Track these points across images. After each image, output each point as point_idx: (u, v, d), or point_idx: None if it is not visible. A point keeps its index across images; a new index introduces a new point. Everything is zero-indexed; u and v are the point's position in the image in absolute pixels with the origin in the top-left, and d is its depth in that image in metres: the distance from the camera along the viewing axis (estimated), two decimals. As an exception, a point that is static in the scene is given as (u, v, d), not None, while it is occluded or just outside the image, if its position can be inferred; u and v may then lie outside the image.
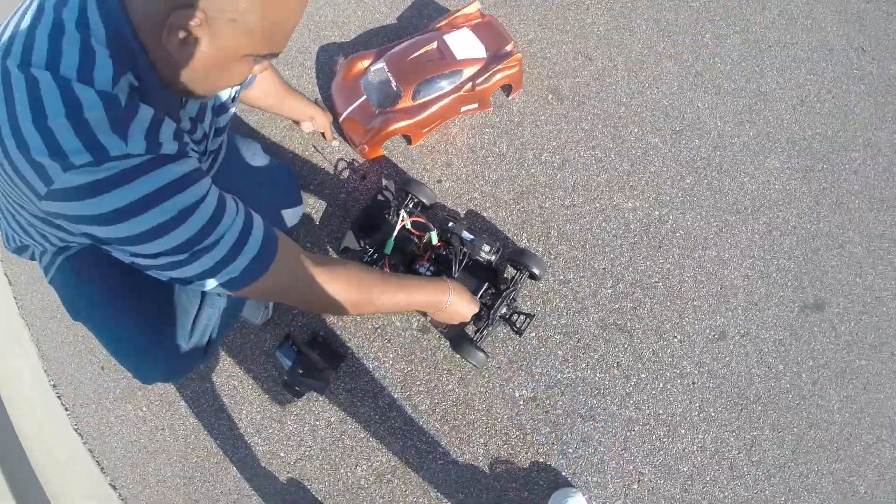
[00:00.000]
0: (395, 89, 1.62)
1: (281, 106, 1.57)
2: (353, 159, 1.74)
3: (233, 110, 1.14)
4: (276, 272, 0.91)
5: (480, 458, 1.44)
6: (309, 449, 1.49)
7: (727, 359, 1.49)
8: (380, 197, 1.58)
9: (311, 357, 1.43)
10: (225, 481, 1.51)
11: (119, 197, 0.74)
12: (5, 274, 1.86)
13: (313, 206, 1.72)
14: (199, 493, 1.52)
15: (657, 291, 1.53)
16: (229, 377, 1.58)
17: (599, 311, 1.52)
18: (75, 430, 1.65)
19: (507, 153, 1.69)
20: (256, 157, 1.48)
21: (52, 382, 1.70)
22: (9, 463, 1.65)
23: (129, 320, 1.12)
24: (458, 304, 1.27)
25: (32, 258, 1.19)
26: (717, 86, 1.80)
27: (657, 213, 1.60)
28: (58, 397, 1.69)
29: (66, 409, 1.68)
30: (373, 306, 1.13)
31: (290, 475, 1.49)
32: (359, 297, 1.06)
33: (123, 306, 1.12)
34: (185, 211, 0.79)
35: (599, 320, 1.52)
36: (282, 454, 1.50)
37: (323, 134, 1.71)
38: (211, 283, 0.87)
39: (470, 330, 1.40)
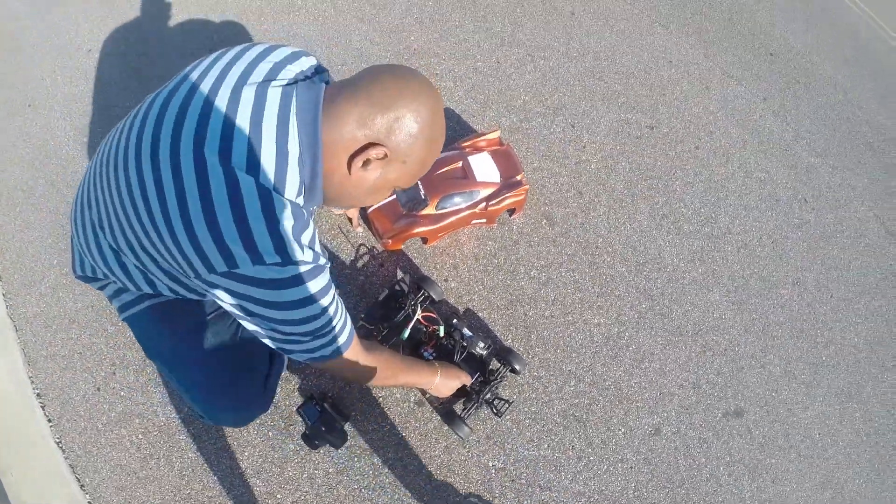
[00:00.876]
0: (423, 197, 1.95)
1: None
2: (373, 247, 2.06)
3: None
4: (346, 355, 1.12)
5: (456, 515, 1.68)
6: (305, 494, 1.64)
7: (660, 450, 1.78)
8: (396, 287, 1.91)
9: (334, 416, 1.57)
10: None
11: (289, 293, 0.93)
12: (-2, 273, 1.89)
13: (334, 284, 2.06)
14: None
15: (609, 392, 1.86)
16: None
17: (562, 404, 1.81)
18: (57, 443, 1.68)
19: (504, 265, 2.08)
20: None
21: (36, 391, 1.73)
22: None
23: (210, 369, 1.26)
24: (444, 384, 1.52)
25: (101, 289, 1.29)
26: (679, 227, 2.23)
27: (616, 329, 1.99)
28: (41, 407, 1.71)
29: (50, 421, 1.70)
30: (387, 383, 1.40)
31: None
32: (383, 376, 1.27)
33: (206, 356, 1.25)
34: (324, 309, 0.99)
35: (562, 411, 1.81)
36: (278, 496, 1.63)
37: (350, 219, 2.04)
38: (304, 356, 1.07)
39: (459, 407, 1.70)
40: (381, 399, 1.78)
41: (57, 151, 2.22)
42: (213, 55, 1.04)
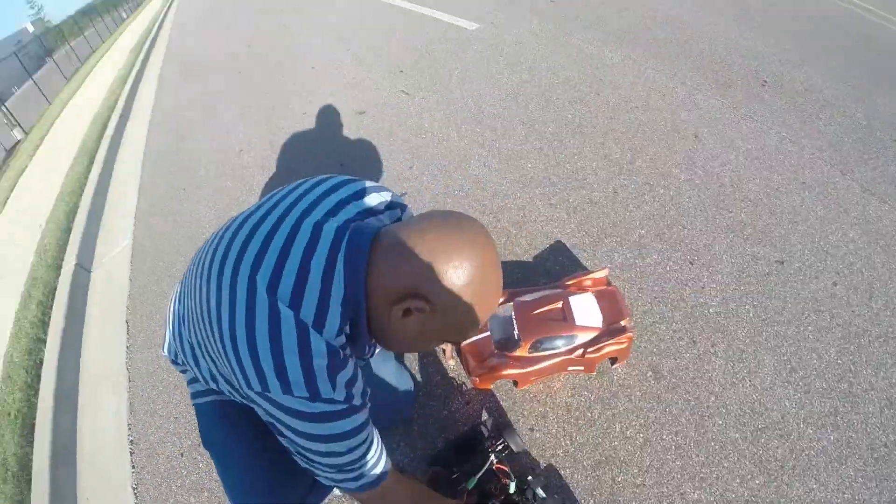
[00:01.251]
0: (517, 338, 1.93)
1: None
2: (462, 382, 2.05)
3: None
4: (371, 494, 1.14)
5: None
6: None
7: None
8: (477, 429, 1.84)
9: None
10: None
11: (316, 427, 0.97)
12: (126, 321, 2.17)
13: (416, 411, 2.03)
14: None
15: None
16: None
17: None
18: (133, 488, 1.88)
19: (598, 420, 1.95)
20: (394, 371, 1.83)
21: (130, 437, 1.94)
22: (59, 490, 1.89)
23: (251, 470, 1.30)
24: None
25: (182, 373, 1.39)
26: (808, 384, 1.95)
27: None
28: (131, 453, 1.91)
29: (134, 468, 1.89)
30: None
31: None
32: None
33: (250, 457, 1.31)
34: (351, 449, 1.02)
35: None
36: None
37: (444, 349, 2.04)
38: (329, 483, 1.10)
39: None
40: None
41: (197, 234, 2.50)
42: (295, 183, 1.13)
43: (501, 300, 2.08)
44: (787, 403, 1.93)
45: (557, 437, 1.94)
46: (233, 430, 1.34)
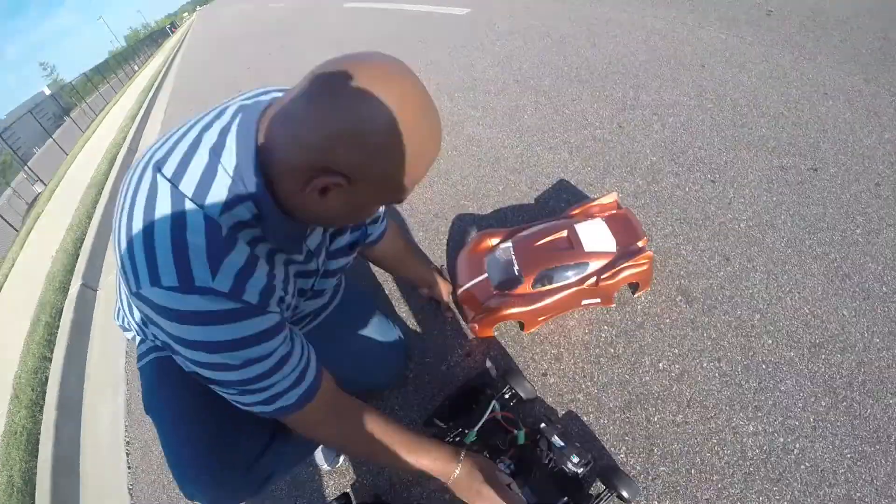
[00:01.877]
0: (517, 273, 1.69)
1: (403, 269, 1.73)
2: (462, 333, 1.82)
3: (349, 259, 1.23)
4: (300, 417, 0.98)
5: None
6: None
7: None
8: (480, 380, 1.61)
9: None
10: None
11: (195, 332, 0.81)
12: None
13: (413, 370, 1.81)
14: None
15: None
16: None
17: None
18: (129, 489, 1.81)
19: (623, 355, 1.69)
20: (378, 325, 1.60)
21: (126, 438, 1.89)
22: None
23: (190, 433, 1.11)
24: (468, 484, 1.17)
25: (133, 340, 1.27)
26: (867, 290, 1.66)
27: (782, 440, 1.46)
28: (127, 454, 1.87)
29: (129, 468, 1.84)
30: (376, 459, 1.22)
31: None
32: (365, 449, 1.10)
33: (188, 415, 1.12)
34: (249, 361, 0.86)
35: None
36: None
37: (438, 302, 1.83)
38: (243, 407, 0.95)
39: None
40: None
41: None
42: None
43: (498, 240, 1.85)
44: (844, 313, 1.63)
45: (576, 380, 1.67)
46: (172, 389, 1.16)
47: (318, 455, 1.62)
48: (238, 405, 0.96)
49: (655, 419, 1.56)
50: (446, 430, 1.49)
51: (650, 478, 1.47)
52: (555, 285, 1.68)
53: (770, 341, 1.62)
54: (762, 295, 1.72)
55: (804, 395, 1.51)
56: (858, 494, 1.34)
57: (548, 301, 1.67)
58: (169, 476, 1.65)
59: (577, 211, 1.88)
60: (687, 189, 2.07)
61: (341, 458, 1.65)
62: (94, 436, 2.21)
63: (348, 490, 1.58)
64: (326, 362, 1.08)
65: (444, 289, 1.83)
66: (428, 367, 1.80)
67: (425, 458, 1.15)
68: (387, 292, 2.11)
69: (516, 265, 1.72)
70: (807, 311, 1.66)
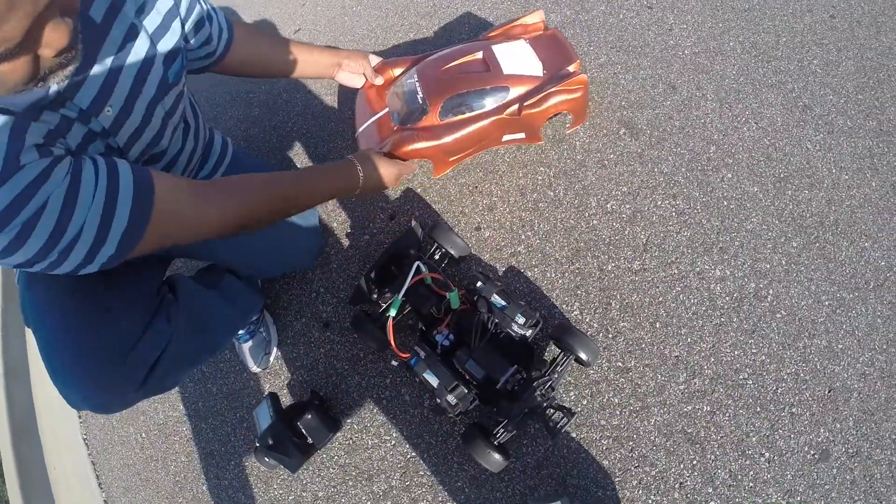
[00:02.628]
0: (421, 102, 1.34)
1: (282, 68, 1.36)
2: (384, 196, 1.52)
3: (177, 89, 1.00)
4: (155, 228, 0.82)
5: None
6: None
7: (827, 487, 1.08)
8: (406, 242, 1.30)
9: (289, 427, 1.22)
10: None
11: None
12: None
13: (333, 246, 1.51)
14: None
15: (745, 392, 1.17)
16: (224, 422, 1.47)
17: (665, 414, 1.17)
18: (84, 438, 1.68)
19: (565, 199, 1.40)
20: None
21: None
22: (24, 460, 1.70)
23: (56, 329, 0.96)
24: (375, 177, 1.21)
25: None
26: (830, 123, 1.43)
27: (753, 285, 1.25)
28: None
29: (80, 418, 1.72)
30: (287, 211, 1.07)
31: None
32: (254, 208, 0.97)
33: (55, 315, 0.96)
34: (27, 224, 0.69)
35: (664, 425, 1.16)
36: None
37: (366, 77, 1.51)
38: (96, 265, 0.79)
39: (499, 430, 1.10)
40: (385, 402, 1.34)
41: None
42: None
43: (402, 70, 1.50)
44: (809, 146, 1.41)
45: (514, 231, 1.39)
46: (37, 293, 0.99)
47: (247, 358, 1.45)
48: (84, 269, 0.80)
49: (609, 268, 1.30)
50: (374, 303, 1.23)
51: (610, 335, 1.24)
52: (467, 115, 1.34)
53: (730, 175, 1.38)
54: (716, 125, 1.46)
55: (773, 234, 1.30)
56: (840, 346, 1.18)
57: (459, 134, 1.33)
58: (116, 416, 1.63)
59: (495, 32, 1.51)
60: (621, 16, 1.74)
61: (271, 358, 1.48)
62: (44, 396, 1.93)
63: (275, 391, 1.38)
64: (228, 248, 1.07)
65: (361, 60, 1.48)
66: (350, 239, 1.54)
67: (331, 179, 1.14)
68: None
69: (420, 93, 1.36)
70: (767, 142, 1.42)
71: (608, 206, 1.37)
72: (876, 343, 1.17)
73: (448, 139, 1.33)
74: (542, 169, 1.45)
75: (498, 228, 1.41)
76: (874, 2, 1.64)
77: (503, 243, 1.38)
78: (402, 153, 1.32)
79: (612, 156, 1.43)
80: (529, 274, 1.33)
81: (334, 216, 1.58)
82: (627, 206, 1.36)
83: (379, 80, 1.48)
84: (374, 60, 1.51)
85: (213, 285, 1.25)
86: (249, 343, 1.44)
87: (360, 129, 1.44)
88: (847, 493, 1.07)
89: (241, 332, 1.43)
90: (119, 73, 0.85)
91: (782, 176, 1.36)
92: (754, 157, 1.39)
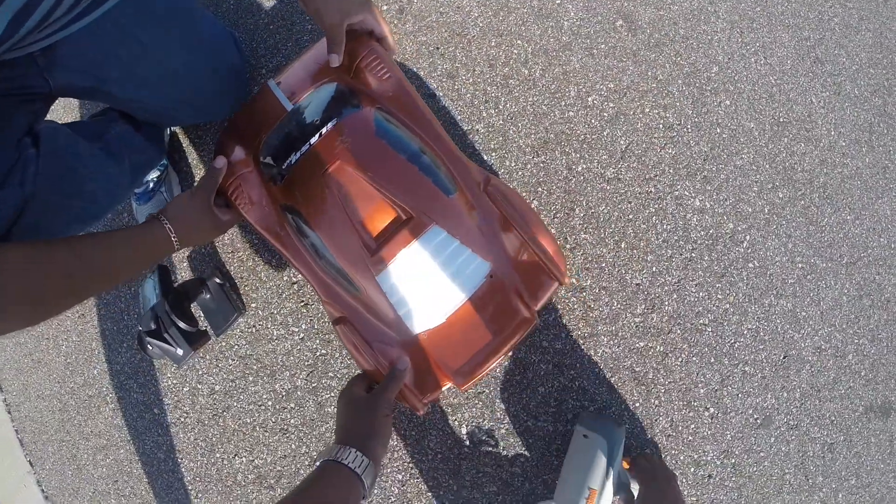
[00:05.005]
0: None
1: None
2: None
3: None
4: None
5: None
6: (185, 415, 1.22)
7: (762, 454, 1.05)
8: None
9: (179, 309, 1.01)
10: (97, 420, 1.30)
11: None
12: None
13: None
14: (72, 423, 1.32)
15: (702, 339, 1.06)
16: (117, 296, 1.29)
17: (615, 346, 1.06)
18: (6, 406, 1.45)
19: (540, 81, 1.18)
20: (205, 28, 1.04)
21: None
22: None
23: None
24: (195, 236, 0.91)
25: None
26: (838, 85, 1.29)
27: (731, 225, 1.11)
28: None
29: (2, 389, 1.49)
30: (86, 292, 0.79)
31: (160, 438, 1.23)
32: (64, 290, 0.73)
33: None
34: None
35: (611, 359, 1.06)
36: (155, 411, 1.24)
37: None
38: None
39: None
40: (297, 287, 1.18)
41: None
42: None
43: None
44: (814, 100, 1.26)
45: (475, 106, 1.19)
46: None
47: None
48: None
49: (579, 169, 1.11)
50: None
51: (568, 246, 1.08)
52: None
53: (728, 102, 1.21)
54: (723, 45, 1.28)
55: (761, 178, 1.16)
56: (803, 314, 1.09)
57: None
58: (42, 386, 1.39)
59: None
60: None
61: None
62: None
63: (167, 265, 1.19)
64: (123, 84, 0.85)
65: (373, 11, 0.93)
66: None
67: (131, 240, 0.84)
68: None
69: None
70: (773, 81, 1.26)
71: (589, 99, 1.16)
72: (837, 320, 1.10)
73: None
74: (519, 42, 1.22)
75: (456, 100, 1.17)
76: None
77: (460, 117, 1.16)
78: None
79: (602, 46, 1.22)
80: (486, 157, 1.12)
81: (265, 60, 1.27)
82: (611, 105, 1.16)
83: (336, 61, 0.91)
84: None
85: (98, 136, 0.94)
86: (147, 206, 1.19)
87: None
88: (780, 463, 1.05)
89: (137, 191, 1.18)
90: None
91: (782, 120, 1.21)
92: (757, 91, 1.23)
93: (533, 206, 1.09)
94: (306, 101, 0.91)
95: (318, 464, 0.70)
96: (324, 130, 0.87)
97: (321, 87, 0.91)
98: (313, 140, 0.87)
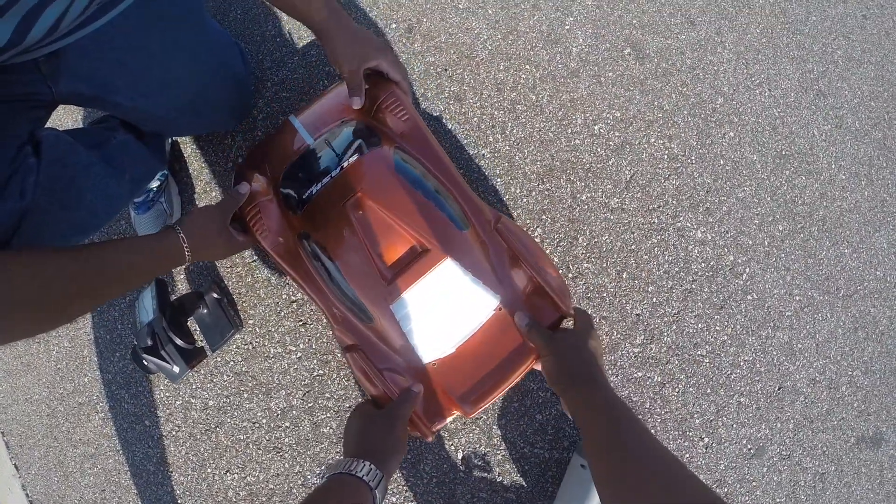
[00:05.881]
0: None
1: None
2: None
3: None
4: None
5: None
6: (177, 429, 1.20)
7: (753, 484, 1.07)
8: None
9: (175, 325, 1.00)
10: (85, 427, 1.28)
11: None
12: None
13: (262, 110, 1.24)
14: (59, 430, 1.31)
15: (699, 370, 1.07)
16: (111, 304, 1.27)
17: (613, 375, 1.06)
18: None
19: (548, 107, 1.18)
20: (212, 39, 1.03)
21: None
22: None
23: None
24: (207, 253, 0.91)
25: None
26: (840, 118, 1.31)
27: (732, 257, 1.12)
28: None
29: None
30: (91, 302, 0.80)
31: (150, 451, 1.21)
32: (63, 298, 0.71)
33: None
34: None
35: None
36: (146, 422, 1.22)
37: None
38: None
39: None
40: (296, 306, 1.17)
41: None
42: None
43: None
44: (815, 133, 1.27)
45: (481, 129, 1.18)
46: None
47: (140, 233, 1.17)
48: None
49: (584, 197, 1.12)
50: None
51: (571, 275, 1.08)
52: None
53: (732, 134, 1.22)
54: (728, 77, 1.28)
55: (762, 210, 1.17)
56: (799, 346, 1.10)
57: None
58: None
59: None
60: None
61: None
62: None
63: (165, 278, 1.22)
64: (128, 91, 0.82)
65: (388, 57, 0.95)
66: (284, 102, 1.22)
67: (143, 248, 0.84)
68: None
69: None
70: (776, 113, 1.27)
71: (596, 127, 1.16)
72: (832, 352, 1.12)
73: None
74: (527, 67, 1.22)
75: (463, 123, 1.17)
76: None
77: (466, 141, 1.16)
78: None
79: (610, 74, 1.22)
80: (491, 183, 1.12)
81: (270, 73, 1.26)
82: (617, 134, 1.16)
83: (357, 104, 0.93)
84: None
85: (99, 146, 0.92)
86: (145, 216, 1.16)
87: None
88: (771, 493, 1.06)
89: (136, 199, 1.16)
90: None
91: (784, 153, 1.22)
92: (761, 123, 1.24)
93: (537, 233, 1.10)
94: (328, 136, 0.93)
95: (326, 477, 0.70)
96: (345, 164, 0.89)
97: (342, 124, 0.94)
98: (334, 173, 0.89)
